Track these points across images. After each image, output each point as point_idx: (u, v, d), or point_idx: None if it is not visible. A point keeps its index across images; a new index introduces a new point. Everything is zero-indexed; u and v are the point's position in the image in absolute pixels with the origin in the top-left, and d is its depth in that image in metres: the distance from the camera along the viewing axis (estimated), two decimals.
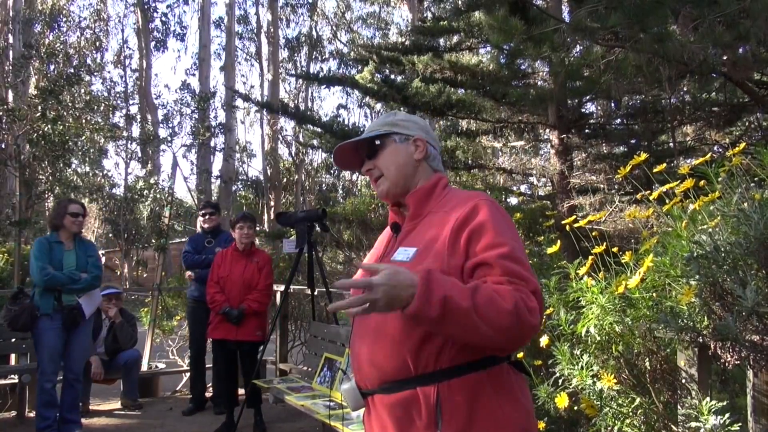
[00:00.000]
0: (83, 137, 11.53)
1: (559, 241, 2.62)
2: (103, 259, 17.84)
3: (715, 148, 6.36)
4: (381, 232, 1.67)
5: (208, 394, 5.37)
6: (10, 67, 11.98)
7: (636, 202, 4.63)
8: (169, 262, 12.40)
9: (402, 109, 6.33)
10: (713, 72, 4.46)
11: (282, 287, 5.09)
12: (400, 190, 1.49)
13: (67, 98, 10.86)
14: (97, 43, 18.14)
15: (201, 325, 5.26)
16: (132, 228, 14.26)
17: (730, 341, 1.65)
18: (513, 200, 7.42)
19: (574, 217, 2.55)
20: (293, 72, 25.04)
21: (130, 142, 17.47)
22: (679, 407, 1.85)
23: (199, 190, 18.66)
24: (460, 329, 1.18)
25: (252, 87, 27.72)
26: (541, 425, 2.21)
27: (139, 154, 18.12)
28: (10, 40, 14.66)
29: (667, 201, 2.01)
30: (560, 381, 2.04)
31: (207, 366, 5.30)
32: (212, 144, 19.72)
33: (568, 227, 2.31)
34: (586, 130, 6.65)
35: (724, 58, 4.16)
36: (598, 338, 1.96)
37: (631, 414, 1.93)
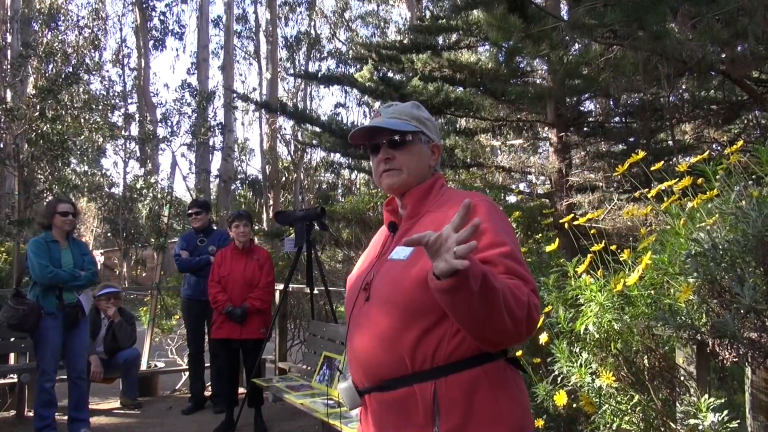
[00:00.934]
0: (82, 136, 11.51)
1: (557, 239, 2.63)
2: (102, 259, 17.87)
3: (714, 145, 6.36)
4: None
5: (207, 393, 5.37)
6: (9, 67, 11.96)
7: (634, 200, 4.62)
8: (168, 262, 12.38)
9: None
10: (712, 70, 4.45)
11: (281, 286, 5.10)
12: (407, 189, 1.50)
13: (65, 97, 10.86)
14: (96, 42, 18.06)
15: (197, 322, 5.26)
16: (131, 227, 14.28)
17: (729, 338, 1.65)
18: (512, 198, 7.40)
19: (572, 215, 2.56)
20: (292, 71, 25.08)
21: (128, 141, 17.47)
22: (677, 404, 1.85)
23: (198, 190, 18.62)
24: (485, 311, 1.14)
25: (251, 87, 27.75)
26: (540, 423, 2.22)
27: (138, 154, 18.13)
28: (9, 40, 14.61)
29: (665, 199, 2.01)
30: (559, 379, 2.05)
31: (206, 365, 5.31)
32: (211, 143, 19.70)
33: (566, 225, 2.32)
34: (585, 128, 6.63)
35: (723, 55, 4.16)
36: (597, 336, 1.96)
37: (629, 411, 1.93)
